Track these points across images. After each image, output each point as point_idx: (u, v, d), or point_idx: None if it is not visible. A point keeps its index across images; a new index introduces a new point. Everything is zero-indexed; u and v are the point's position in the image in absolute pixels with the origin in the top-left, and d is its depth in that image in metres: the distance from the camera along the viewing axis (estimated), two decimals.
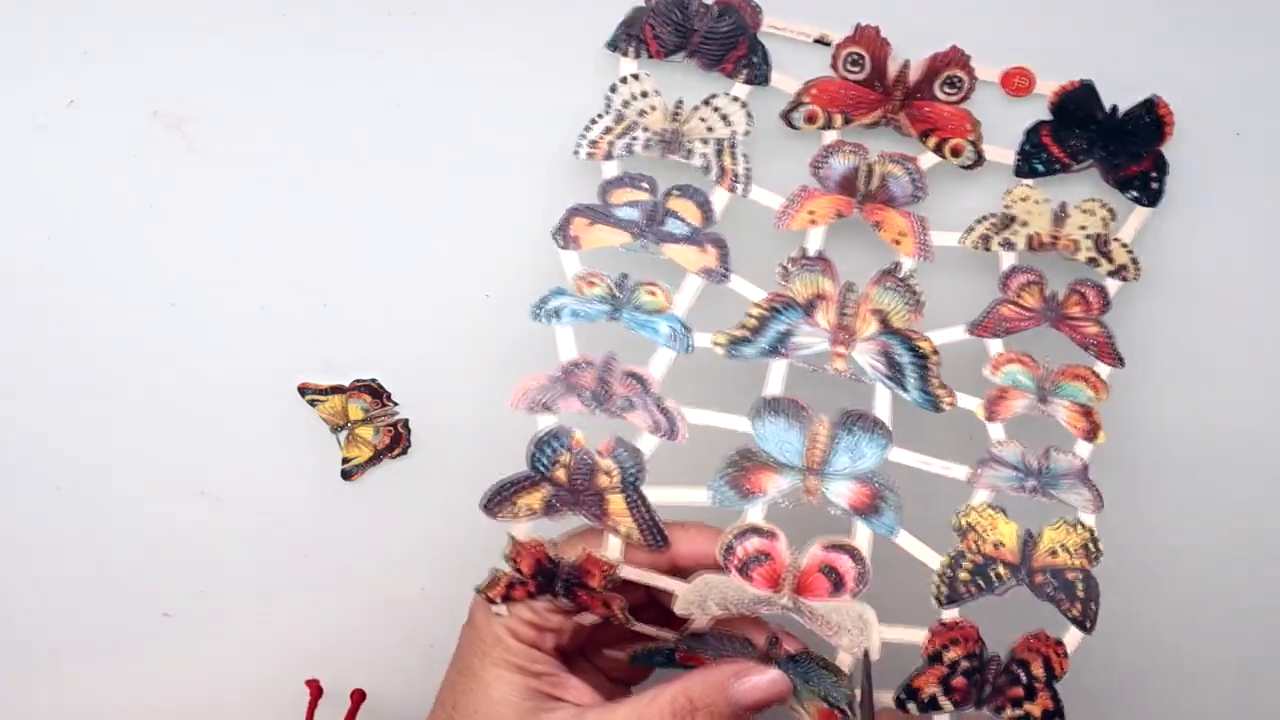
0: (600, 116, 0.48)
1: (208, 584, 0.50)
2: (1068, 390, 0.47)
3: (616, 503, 0.43)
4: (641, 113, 0.48)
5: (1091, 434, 0.46)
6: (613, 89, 0.48)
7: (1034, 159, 0.49)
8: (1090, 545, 0.44)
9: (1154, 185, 0.49)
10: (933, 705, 0.43)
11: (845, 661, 0.43)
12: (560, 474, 0.42)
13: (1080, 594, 0.43)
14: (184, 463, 0.50)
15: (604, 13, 0.48)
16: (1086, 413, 0.47)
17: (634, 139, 0.47)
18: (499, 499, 0.43)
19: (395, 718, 0.52)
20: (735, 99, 0.48)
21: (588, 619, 0.43)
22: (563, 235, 0.46)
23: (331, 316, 0.50)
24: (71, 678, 0.51)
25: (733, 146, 0.48)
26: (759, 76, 0.48)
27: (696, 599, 0.42)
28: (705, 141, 0.48)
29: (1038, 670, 0.43)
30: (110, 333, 0.49)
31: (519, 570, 0.42)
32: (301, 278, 0.49)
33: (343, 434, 0.50)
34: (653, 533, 0.42)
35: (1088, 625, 0.43)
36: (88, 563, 0.50)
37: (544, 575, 0.42)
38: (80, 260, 0.49)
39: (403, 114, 0.49)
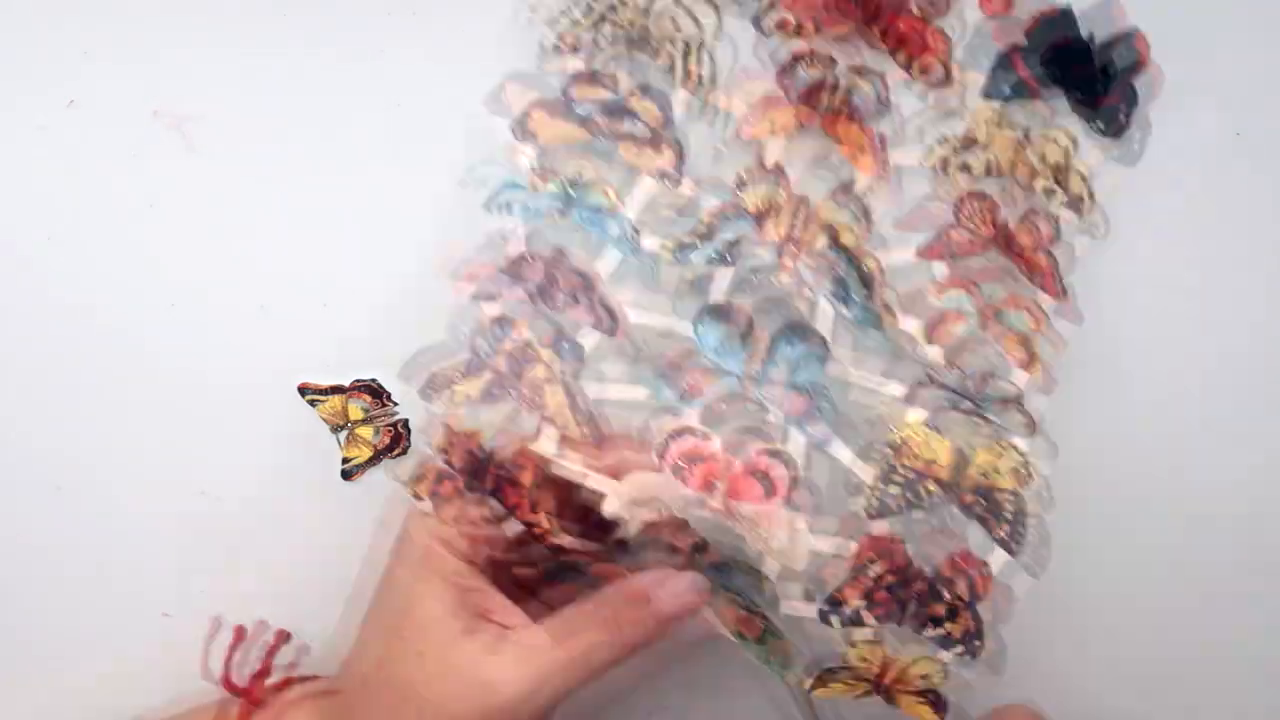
0: (571, 8, 0.46)
1: (208, 584, 0.50)
2: (1009, 318, 0.46)
3: (555, 395, 0.42)
4: (611, 7, 0.46)
5: (1028, 364, 0.46)
6: None
7: (1002, 82, 0.48)
8: (1022, 469, 0.44)
9: (1121, 118, 0.48)
10: (855, 619, 0.42)
11: (771, 568, 0.42)
12: (500, 362, 0.41)
13: (1008, 515, 0.43)
14: (184, 463, 0.50)
15: None
16: (1024, 341, 0.46)
17: (601, 34, 0.46)
18: (435, 383, 0.41)
19: None
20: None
21: (513, 528, 0.42)
22: (520, 127, 0.45)
23: (331, 316, 0.50)
24: (71, 678, 0.51)
25: (700, 47, 0.46)
26: None
27: (628, 498, 0.41)
28: (673, 42, 0.46)
29: (961, 590, 0.43)
30: (110, 333, 0.49)
31: (449, 463, 0.40)
32: (301, 278, 0.49)
33: (343, 434, 0.50)
34: (591, 424, 0.41)
35: (1013, 547, 0.43)
36: (88, 563, 0.50)
37: (474, 469, 0.41)
38: (80, 260, 0.49)
39: (403, 114, 0.49)
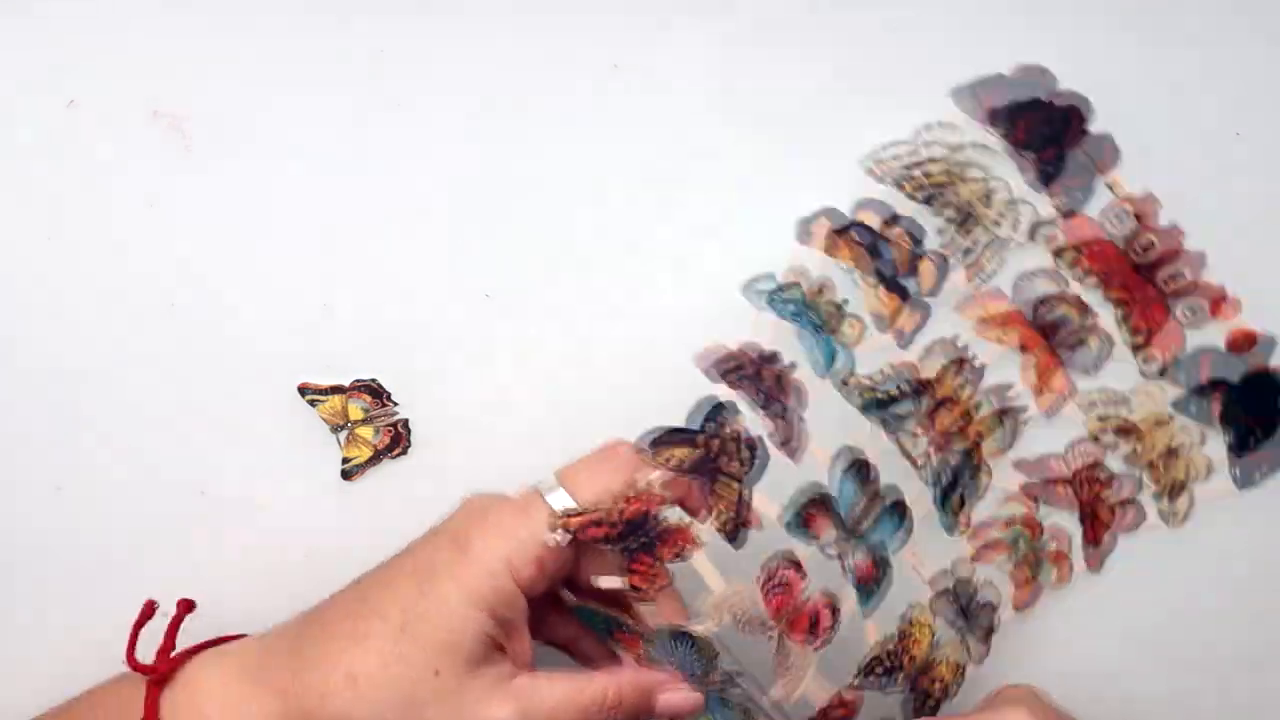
0: (902, 143, 0.48)
1: (207, 583, 0.50)
2: (1040, 543, 0.50)
3: (729, 489, 0.43)
4: (937, 164, 0.48)
5: (1021, 602, 0.50)
6: (928, 127, 0.48)
7: (1194, 407, 0.50)
8: (954, 684, 0.47)
9: (1255, 442, 0.50)
10: None
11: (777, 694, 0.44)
12: (713, 443, 0.43)
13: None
14: (184, 463, 0.50)
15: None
16: (1033, 563, 0.50)
17: (921, 185, 0.48)
18: (664, 441, 0.43)
19: None
20: (1029, 205, 0.49)
21: (603, 582, 0.43)
22: (807, 230, 0.48)
23: (331, 316, 0.50)
24: (72, 678, 0.51)
25: (1000, 248, 0.49)
26: (1069, 200, 0.49)
27: (723, 601, 0.43)
28: (985, 229, 0.49)
29: None
30: (110, 333, 0.49)
31: (621, 513, 0.42)
32: (301, 278, 0.49)
33: (343, 434, 0.50)
34: (735, 531, 0.43)
35: None
36: (88, 563, 0.50)
37: (632, 527, 0.42)
38: (80, 260, 0.49)
39: (403, 114, 0.49)
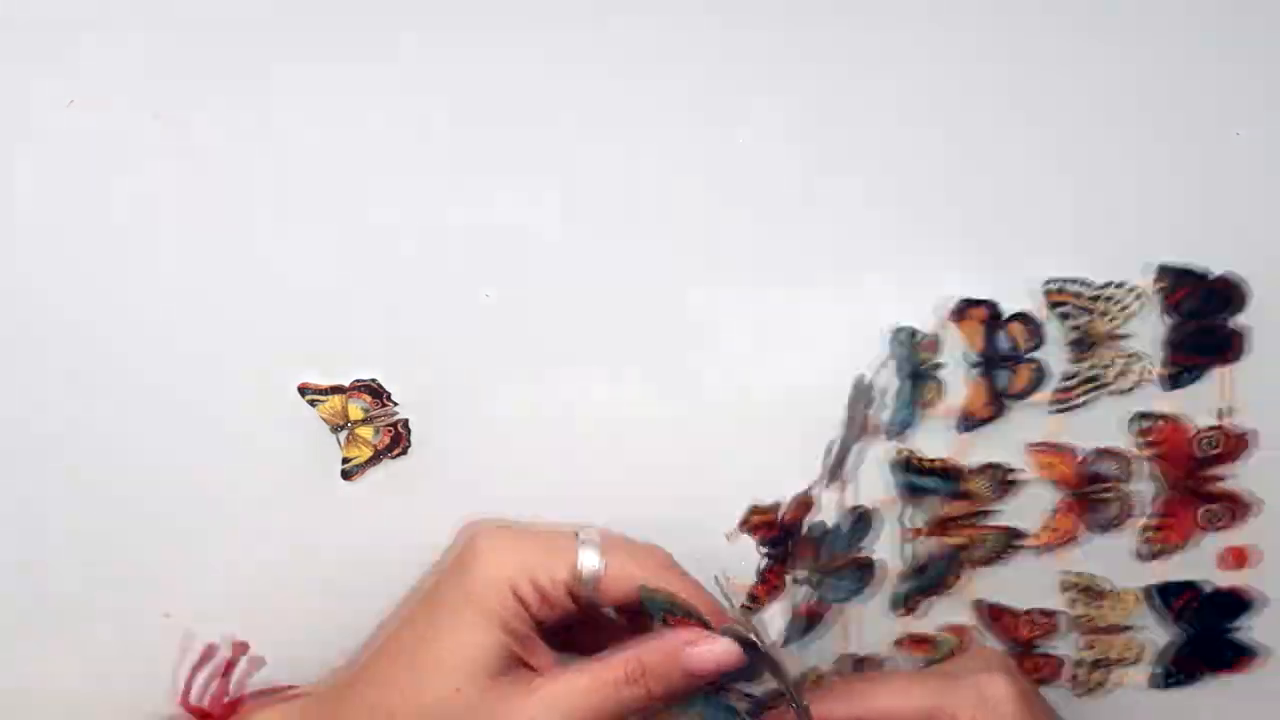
0: (1085, 283, 0.49)
1: (208, 584, 0.50)
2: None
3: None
4: (1089, 287, 0.49)
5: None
6: (1120, 284, 0.49)
7: (1164, 673, 0.52)
8: None
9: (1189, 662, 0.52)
10: None
11: None
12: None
13: None
14: (184, 462, 0.50)
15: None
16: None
17: (1064, 300, 0.49)
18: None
19: None
20: (1147, 363, 0.49)
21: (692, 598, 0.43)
22: (962, 311, 0.49)
23: (331, 317, 0.50)
24: (71, 678, 0.51)
25: (1099, 390, 0.49)
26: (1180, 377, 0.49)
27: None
28: (1095, 366, 0.49)
29: None
30: (109, 333, 0.49)
31: (785, 515, 0.44)
32: (301, 278, 0.49)
33: (343, 434, 0.50)
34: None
35: None
36: (88, 563, 0.50)
37: (787, 531, 0.44)
38: (80, 260, 0.49)
39: (403, 114, 0.49)
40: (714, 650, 0.42)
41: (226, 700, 0.45)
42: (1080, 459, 0.50)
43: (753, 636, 0.42)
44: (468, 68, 0.49)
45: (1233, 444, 0.49)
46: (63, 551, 0.50)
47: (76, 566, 0.50)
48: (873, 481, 0.49)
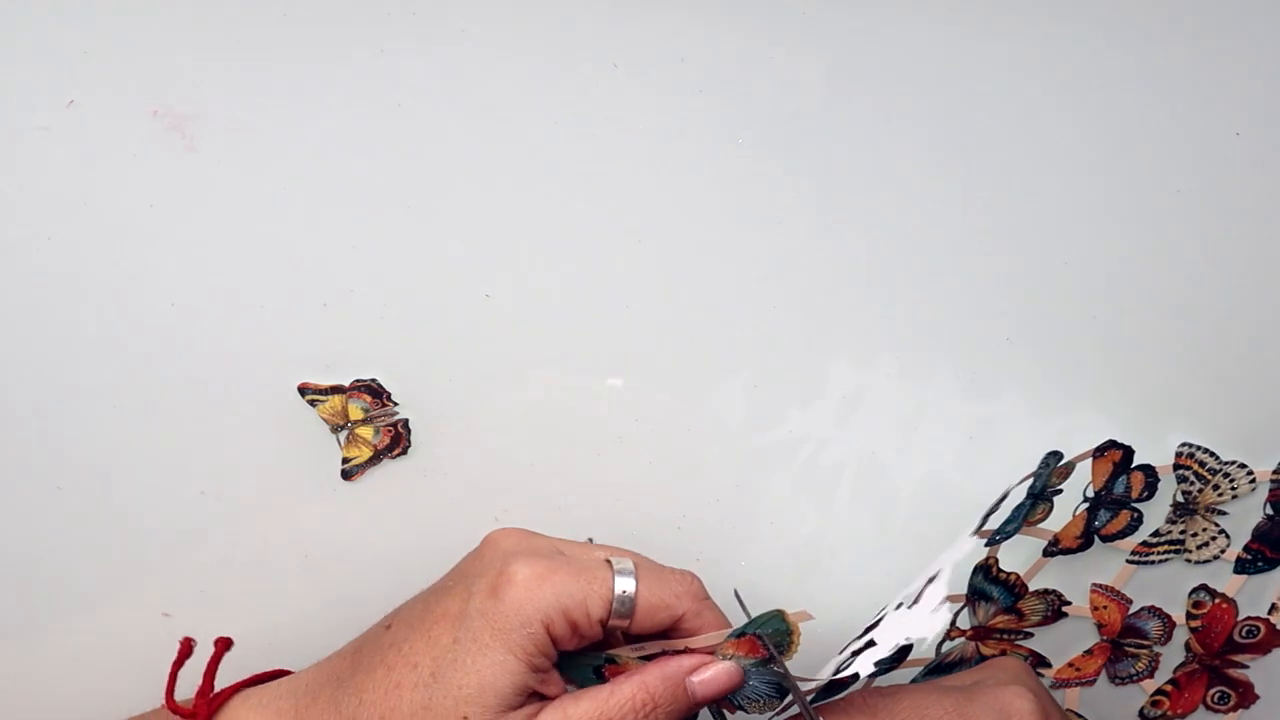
0: (1214, 456, 0.50)
1: (208, 584, 0.50)
2: None
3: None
4: (1212, 458, 0.50)
5: None
6: (1242, 465, 0.50)
7: None
8: None
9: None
10: None
11: None
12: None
13: None
14: (184, 463, 0.50)
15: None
16: None
17: (1188, 464, 0.50)
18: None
19: None
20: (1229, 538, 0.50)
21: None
22: (1100, 450, 0.49)
23: (331, 316, 0.50)
24: (71, 678, 0.51)
25: (1178, 555, 0.50)
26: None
27: None
28: (1185, 533, 0.50)
29: None
30: (110, 333, 0.49)
31: None
32: (301, 278, 0.49)
33: (343, 434, 0.50)
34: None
35: None
36: (88, 563, 0.50)
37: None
38: (80, 260, 0.49)
39: (403, 114, 0.49)
40: (718, 677, 0.42)
41: (211, 696, 0.45)
42: (1130, 610, 0.51)
43: (770, 654, 0.41)
44: (468, 68, 0.49)
45: (1268, 639, 0.50)
46: (62, 551, 0.50)
47: (76, 566, 0.50)
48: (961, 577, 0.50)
